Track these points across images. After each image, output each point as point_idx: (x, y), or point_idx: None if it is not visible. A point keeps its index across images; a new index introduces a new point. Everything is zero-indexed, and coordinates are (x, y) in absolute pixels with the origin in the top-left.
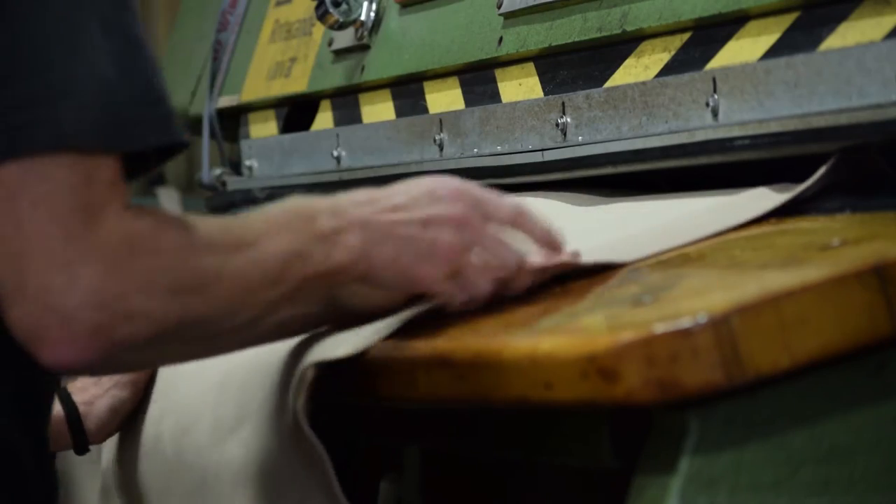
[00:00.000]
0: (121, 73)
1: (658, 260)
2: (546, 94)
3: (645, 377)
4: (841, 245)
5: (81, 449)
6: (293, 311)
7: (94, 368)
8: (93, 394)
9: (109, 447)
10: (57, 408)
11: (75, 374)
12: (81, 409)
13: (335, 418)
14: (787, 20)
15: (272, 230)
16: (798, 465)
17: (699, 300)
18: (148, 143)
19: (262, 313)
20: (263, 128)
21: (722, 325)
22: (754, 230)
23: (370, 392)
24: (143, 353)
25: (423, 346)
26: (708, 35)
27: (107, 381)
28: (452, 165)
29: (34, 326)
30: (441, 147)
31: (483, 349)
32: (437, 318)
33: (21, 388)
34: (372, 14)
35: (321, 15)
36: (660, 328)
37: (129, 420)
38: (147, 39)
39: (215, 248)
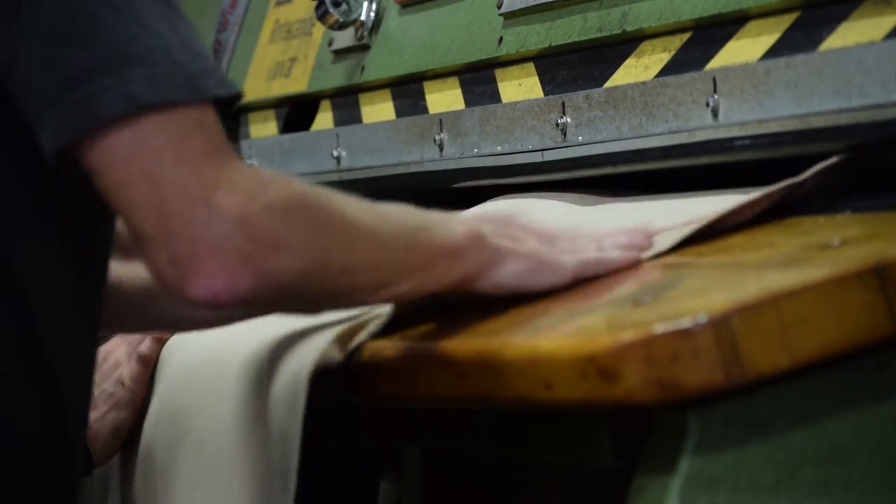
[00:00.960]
0: (174, 32)
1: (658, 260)
2: (546, 94)
3: (645, 377)
4: (841, 245)
5: (86, 470)
6: (427, 282)
7: (246, 302)
8: (93, 418)
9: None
10: None
11: (226, 308)
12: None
13: (335, 418)
14: (787, 20)
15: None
16: (798, 465)
17: (699, 300)
18: (220, 92)
19: (398, 277)
20: (263, 128)
21: (722, 326)
22: (755, 230)
23: (370, 392)
24: (288, 293)
25: (424, 346)
26: (708, 35)
27: (104, 405)
28: (452, 165)
29: (185, 262)
30: (441, 147)
31: (483, 349)
32: (436, 318)
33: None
34: (372, 14)
35: (321, 15)
36: (660, 328)
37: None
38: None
39: (345, 200)
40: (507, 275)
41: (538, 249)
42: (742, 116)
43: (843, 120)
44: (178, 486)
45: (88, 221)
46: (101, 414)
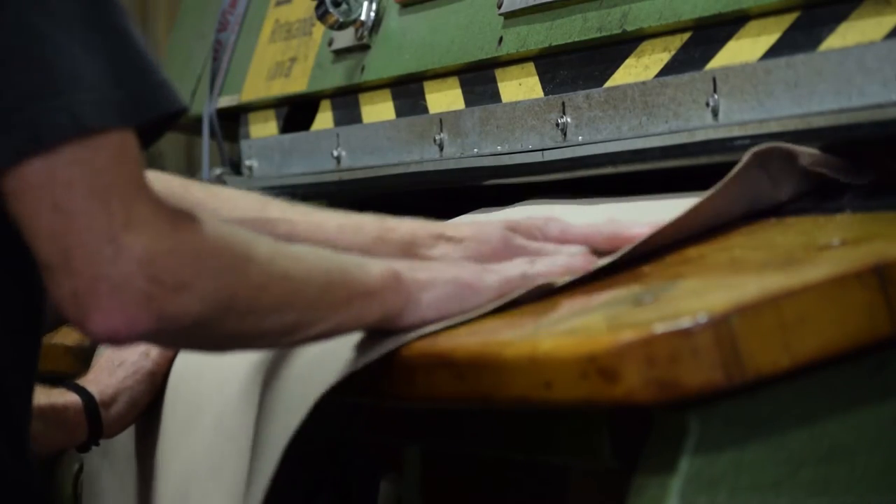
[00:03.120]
0: (111, 57)
1: (658, 260)
2: (546, 93)
3: (645, 377)
4: (841, 245)
5: (94, 440)
6: (343, 322)
7: (145, 339)
8: (107, 384)
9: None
10: (71, 398)
11: (124, 343)
12: (98, 400)
13: (335, 418)
14: (787, 20)
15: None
16: (798, 465)
17: (699, 300)
18: (160, 111)
19: (310, 320)
20: (263, 128)
21: (722, 325)
22: (755, 230)
23: (370, 391)
24: (190, 333)
25: (423, 346)
26: (708, 35)
27: (122, 373)
28: (452, 165)
29: (85, 296)
30: (441, 147)
31: (483, 349)
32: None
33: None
34: (372, 14)
35: (321, 15)
36: (660, 328)
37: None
38: (125, 22)
39: (259, 242)
40: (428, 307)
41: (457, 274)
42: (742, 116)
43: (843, 120)
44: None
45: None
46: (120, 380)
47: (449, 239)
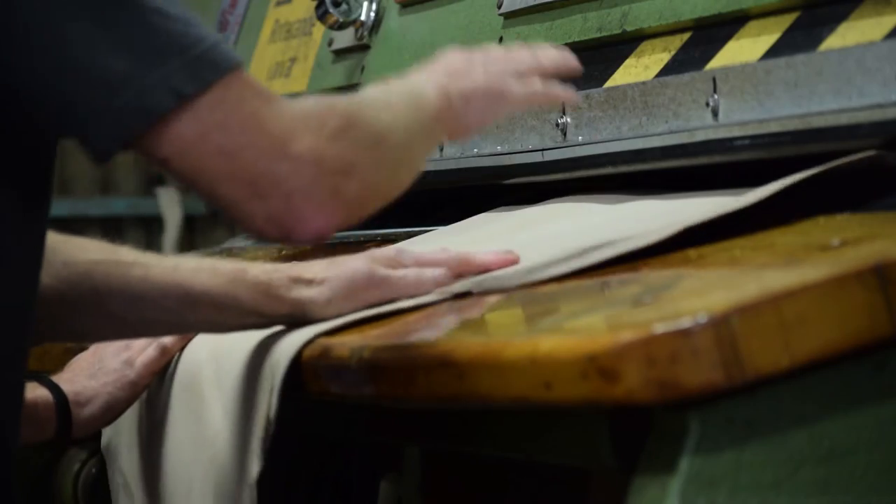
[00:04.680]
0: (190, 19)
1: (658, 259)
2: None
3: (645, 377)
4: (841, 245)
5: (64, 438)
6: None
7: (344, 226)
8: (85, 385)
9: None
10: (42, 393)
11: (329, 237)
12: (72, 398)
13: (334, 419)
14: (787, 20)
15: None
16: (798, 465)
17: (699, 300)
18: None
19: (414, 156)
20: None
21: (722, 325)
22: (755, 230)
23: (371, 391)
24: (370, 202)
25: (424, 346)
26: (708, 35)
27: (103, 378)
28: (452, 165)
29: (284, 215)
30: (441, 147)
31: (483, 349)
32: (436, 318)
33: None
34: (372, 14)
35: (321, 15)
36: (660, 328)
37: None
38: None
39: (367, 104)
40: (469, 118)
41: (487, 80)
42: (742, 116)
43: (843, 120)
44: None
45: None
46: (100, 384)
47: (309, 282)
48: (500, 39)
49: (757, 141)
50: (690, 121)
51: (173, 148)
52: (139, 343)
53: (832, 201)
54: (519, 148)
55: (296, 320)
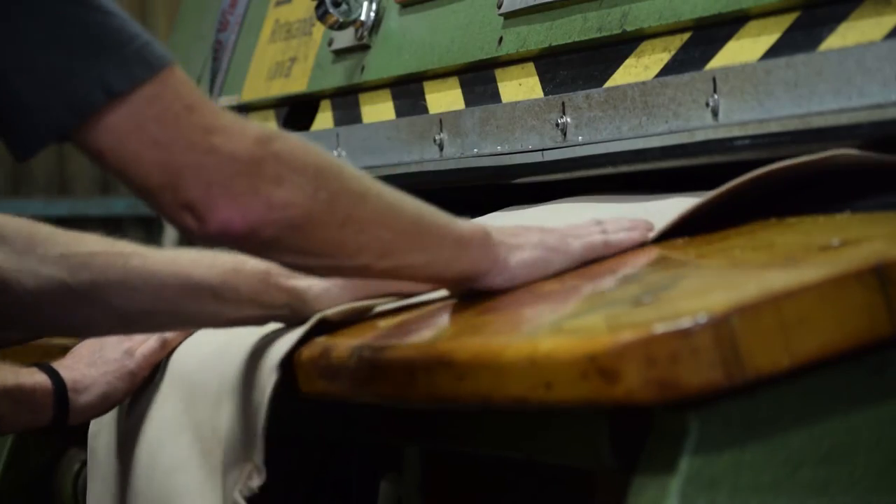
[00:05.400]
0: (127, 20)
1: (658, 259)
2: (546, 94)
3: (645, 377)
4: (841, 245)
5: (59, 424)
6: (434, 263)
7: (256, 231)
8: (84, 374)
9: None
10: (41, 378)
11: (242, 241)
12: (70, 385)
13: (334, 419)
14: (787, 20)
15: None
16: (798, 465)
17: (699, 300)
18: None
19: (404, 246)
20: None
21: (722, 325)
22: (755, 230)
23: (371, 391)
24: (296, 231)
25: (424, 346)
26: (708, 35)
27: (103, 367)
28: (452, 165)
29: (200, 204)
30: (441, 147)
31: (483, 349)
32: (436, 318)
33: None
34: (372, 14)
35: (321, 15)
36: (660, 328)
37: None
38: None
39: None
40: (518, 268)
41: (543, 238)
42: (742, 116)
43: (843, 120)
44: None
45: None
46: (100, 373)
47: None
48: (500, 40)
49: (757, 141)
50: (690, 121)
51: (107, 140)
52: (140, 335)
53: (832, 201)
54: (519, 148)
55: (294, 311)
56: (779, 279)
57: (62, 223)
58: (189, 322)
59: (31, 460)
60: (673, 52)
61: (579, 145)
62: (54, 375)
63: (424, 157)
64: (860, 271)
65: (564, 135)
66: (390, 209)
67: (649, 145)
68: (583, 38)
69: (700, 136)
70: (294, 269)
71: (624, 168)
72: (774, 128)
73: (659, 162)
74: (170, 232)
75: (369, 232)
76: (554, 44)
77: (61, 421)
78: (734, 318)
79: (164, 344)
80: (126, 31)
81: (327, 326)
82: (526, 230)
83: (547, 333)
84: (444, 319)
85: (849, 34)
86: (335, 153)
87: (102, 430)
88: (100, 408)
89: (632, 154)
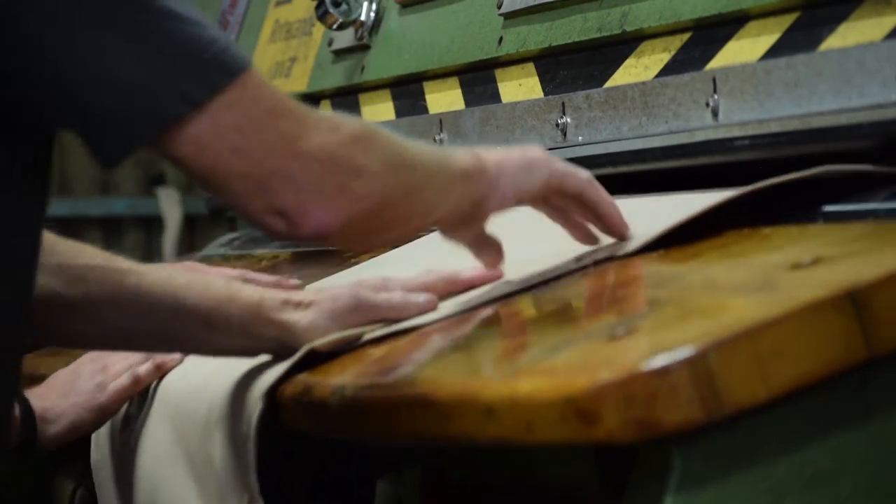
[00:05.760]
0: (203, 23)
1: (633, 279)
2: (546, 94)
3: (624, 417)
4: (813, 264)
5: (26, 451)
6: (455, 205)
7: (346, 226)
8: (55, 404)
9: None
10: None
11: (334, 236)
12: (39, 414)
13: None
14: (787, 20)
15: None
16: (782, 494)
17: (675, 333)
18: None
19: (439, 200)
20: None
21: (699, 362)
22: (728, 242)
23: (354, 430)
24: (377, 215)
25: (405, 385)
26: (708, 35)
27: (74, 398)
28: None
29: (292, 210)
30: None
31: (463, 390)
32: (419, 350)
33: None
34: (372, 14)
35: (321, 15)
36: (637, 367)
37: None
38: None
39: (388, 132)
40: (506, 187)
41: (522, 152)
42: (742, 116)
43: (843, 120)
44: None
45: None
46: (69, 405)
47: (297, 304)
48: (500, 40)
49: (757, 141)
50: (690, 121)
51: (189, 149)
52: (115, 368)
53: (805, 210)
54: None
55: (283, 344)
56: (754, 307)
57: (62, 223)
58: (179, 346)
59: (25, 479)
60: (673, 52)
61: (579, 145)
62: (24, 403)
63: None
64: (835, 298)
65: (564, 135)
66: (425, 169)
67: (649, 145)
68: (583, 38)
69: (700, 136)
70: (355, 248)
71: (624, 168)
72: (774, 128)
73: (659, 162)
74: (170, 232)
75: (419, 196)
76: (554, 44)
77: (27, 448)
78: (711, 355)
79: (136, 381)
80: (204, 36)
81: (315, 357)
82: (505, 150)
83: (526, 373)
84: (422, 352)
85: (849, 34)
86: None
87: (103, 463)
88: (67, 438)
89: (632, 154)
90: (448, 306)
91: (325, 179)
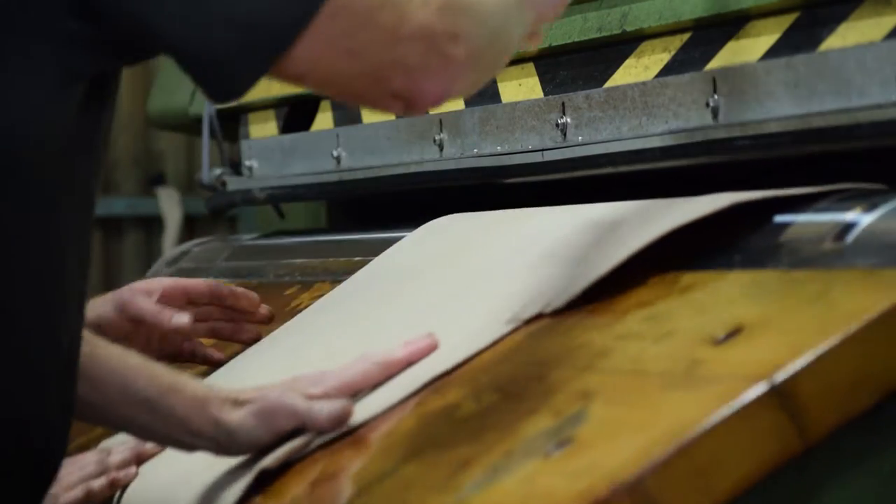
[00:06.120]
0: None
1: (565, 351)
2: (546, 94)
3: None
4: (735, 335)
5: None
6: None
7: (457, 90)
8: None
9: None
10: None
11: (451, 97)
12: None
13: None
14: (787, 20)
15: None
16: None
17: (611, 450)
18: None
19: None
20: (263, 128)
21: (637, 488)
22: (653, 294)
23: None
24: (478, 69)
25: None
26: (708, 35)
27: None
28: (452, 165)
29: (408, 91)
30: (441, 147)
31: None
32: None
33: None
34: None
35: None
36: (576, 501)
37: None
38: None
39: None
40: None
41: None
42: (742, 116)
43: (843, 120)
44: None
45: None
46: (79, 480)
47: (235, 402)
48: None
49: (757, 141)
50: (690, 121)
51: (306, 65)
52: (67, 479)
53: (723, 254)
54: (519, 148)
55: (220, 445)
56: (684, 408)
57: None
58: (120, 425)
59: None
60: (673, 52)
61: (579, 145)
62: None
63: (424, 157)
64: (761, 396)
65: (564, 135)
66: (501, 5)
67: (649, 145)
68: (583, 38)
69: (700, 136)
70: (466, 95)
71: (624, 168)
72: (774, 128)
73: (659, 162)
74: (170, 233)
75: (506, 34)
76: (554, 44)
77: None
78: (648, 479)
79: (88, 494)
80: None
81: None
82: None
83: None
84: (348, 480)
85: (849, 34)
86: (335, 153)
87: None
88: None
89: (632, 154)
90: (385, 395)
91: (430, 55)
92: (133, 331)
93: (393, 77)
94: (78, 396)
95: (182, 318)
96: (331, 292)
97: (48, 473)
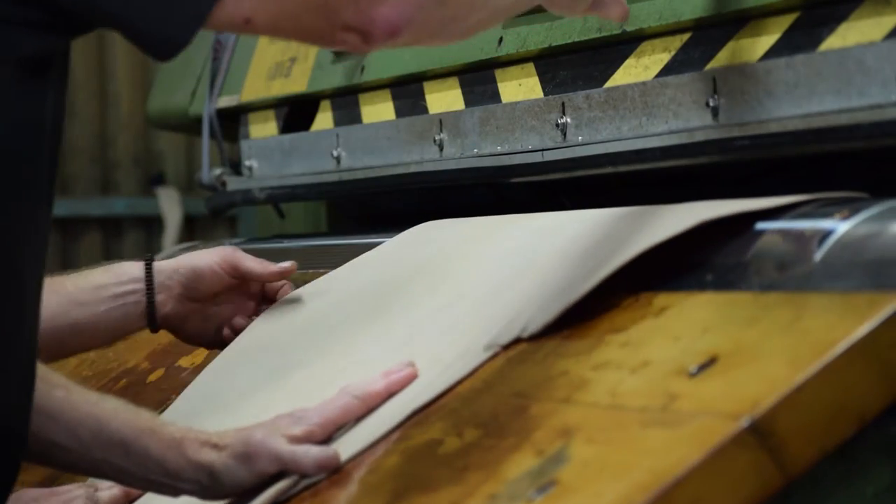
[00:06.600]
0: None
1: (543, 380)
2: (546, 94)
3: None
4: (709, 365)
5: None
6: None
7: (415, 26)
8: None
9: None
10: None
11: (408, 38)
12: None
13: None
14: (787, 20)
15: None
16: None
17: (594, 498)
18: None
19: None
20: (263, 128)
21: None
22: (628, 318)
23: None
24: (437, 7)
25: None
26: (708, 35)
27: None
28: (452, 165)
29: (360, 25)
30: (441, 147)
31: None
32: None
33: None
34: None
35: None
36: None
37: None
38: None
39: None
40: None
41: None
42: (742, 116)
43: (843, 120)
44: None
45: None
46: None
47: (213, 445)
48: (500, 40)
49: (757, 141)
50: (690, 121)
51: (248, 8)
52: None
53: (696, 274)
54: (519, 148)
55: (203, 488)
56: (663, 448)
57: (62, 223)
58: (98, 471)
59: None
60: (673, 52)
61: (579, 145)
62: None
63: (424, 157)
64: (738, 435)
65: (564, 135)
66: None
67: (649, 145)
68: (583, 38)
69: (700, 136)
70: (432, 44)
71: (624, 168)
72: (774, 128)
73: (659, 162)
74: (170, 233)
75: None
76: (554, 44)
77: None
78: None
79: None
80: None
81: None
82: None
83: None
84: None
85: (849, 34)
86: (335, 153)
87: None
88: None
89: (632, 154)
90: (368, 429)
91: None
92: (235, 286)
93: (341, 7)
94: (53, 442)
95: (286, 264)
96: (302, 298)
97: (14, 454)
